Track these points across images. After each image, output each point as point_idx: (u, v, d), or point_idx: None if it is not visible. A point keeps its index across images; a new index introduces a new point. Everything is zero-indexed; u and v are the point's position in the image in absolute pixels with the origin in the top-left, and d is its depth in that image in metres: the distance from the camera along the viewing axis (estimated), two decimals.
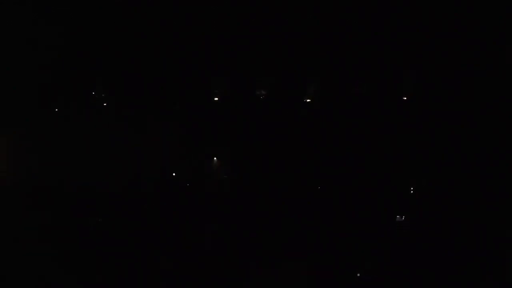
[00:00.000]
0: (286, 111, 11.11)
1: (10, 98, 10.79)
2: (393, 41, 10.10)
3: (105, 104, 11.40)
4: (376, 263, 9.77)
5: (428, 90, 10.45)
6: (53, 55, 10.48)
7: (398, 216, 9.94)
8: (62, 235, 10.31)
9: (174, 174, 11.40)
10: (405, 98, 10.95)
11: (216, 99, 11.22)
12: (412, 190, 10.54)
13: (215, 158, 10.97)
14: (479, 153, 10.16)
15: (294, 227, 10.37)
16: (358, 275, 9.74)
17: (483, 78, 10.07)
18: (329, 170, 10.85)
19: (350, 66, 10.38)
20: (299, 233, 10.27)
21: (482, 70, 10.04)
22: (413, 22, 9.75)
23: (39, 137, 11.00)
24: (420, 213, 10.12)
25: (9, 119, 10.86)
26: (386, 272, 9.81)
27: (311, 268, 9.79)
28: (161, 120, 10.98)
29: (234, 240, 10.25)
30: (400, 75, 10.46)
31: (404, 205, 10.24)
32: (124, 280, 10.00)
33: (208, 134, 11.15)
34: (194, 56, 10.56)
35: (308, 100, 11.15)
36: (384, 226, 10.04)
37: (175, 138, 11.08)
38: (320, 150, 10.90)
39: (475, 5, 9.55)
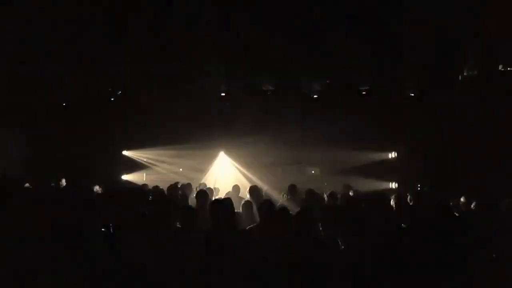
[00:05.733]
0: (293, 105, 11.13)
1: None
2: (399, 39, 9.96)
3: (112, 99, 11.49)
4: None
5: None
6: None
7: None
8: None
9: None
10: (412, 95, 10.96)
11: (222, 94, 11.30)
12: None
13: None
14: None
15: None
16: None
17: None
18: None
19: (357, 63, 10.29)
20: None
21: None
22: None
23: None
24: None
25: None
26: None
27: None
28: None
29: None
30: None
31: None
32: None
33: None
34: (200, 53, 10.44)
35: (315, 96, 11.20)
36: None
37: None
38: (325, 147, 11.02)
39: None
